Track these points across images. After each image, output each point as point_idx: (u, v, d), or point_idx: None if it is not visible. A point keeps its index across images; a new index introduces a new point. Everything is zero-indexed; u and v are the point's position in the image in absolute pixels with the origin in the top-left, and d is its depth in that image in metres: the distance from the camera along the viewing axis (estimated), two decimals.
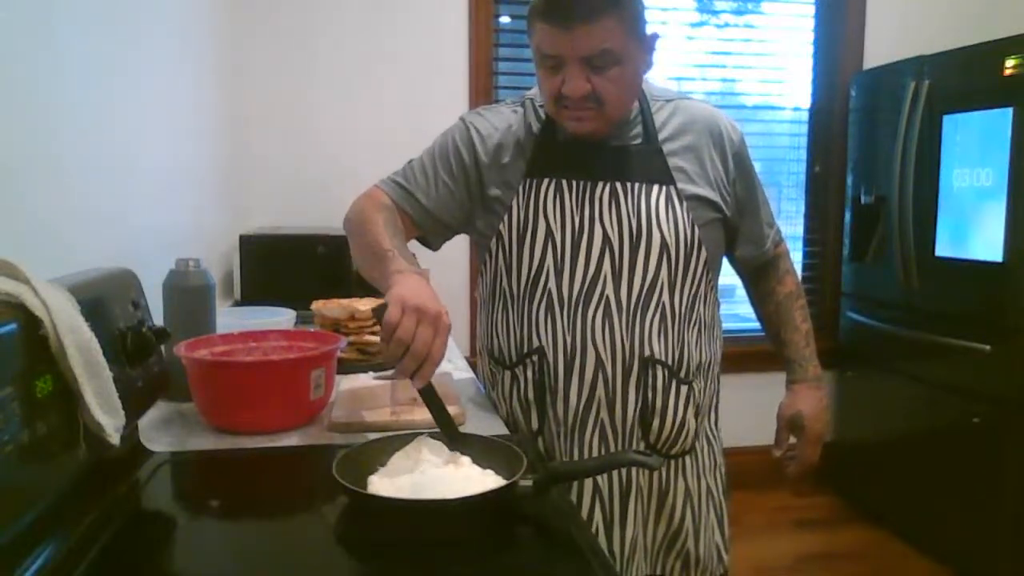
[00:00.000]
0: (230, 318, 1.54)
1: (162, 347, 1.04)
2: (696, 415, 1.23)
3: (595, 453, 1.21)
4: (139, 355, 0.94)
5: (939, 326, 2.52)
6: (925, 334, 2.56)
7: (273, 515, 0.91)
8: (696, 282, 1.21)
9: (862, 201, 2.88)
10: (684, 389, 1.20)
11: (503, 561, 0.79)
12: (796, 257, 3.21)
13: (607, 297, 1.17)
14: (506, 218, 1.22)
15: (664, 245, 1.17)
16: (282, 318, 1.62)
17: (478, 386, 1.41)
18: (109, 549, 0.76)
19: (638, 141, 1.21)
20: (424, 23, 2.75)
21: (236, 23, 2.55)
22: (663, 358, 1.18)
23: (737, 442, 3.08)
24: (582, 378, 1.18)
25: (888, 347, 2.77)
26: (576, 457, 1.21)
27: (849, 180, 3.00)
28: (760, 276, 1.39)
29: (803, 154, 3.20)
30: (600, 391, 1.18)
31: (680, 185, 1.19)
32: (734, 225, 1.28)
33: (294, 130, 2.72)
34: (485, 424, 1.18)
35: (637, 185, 1.18)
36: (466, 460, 0.90)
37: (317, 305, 1.58)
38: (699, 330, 1.23)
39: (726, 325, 1.37)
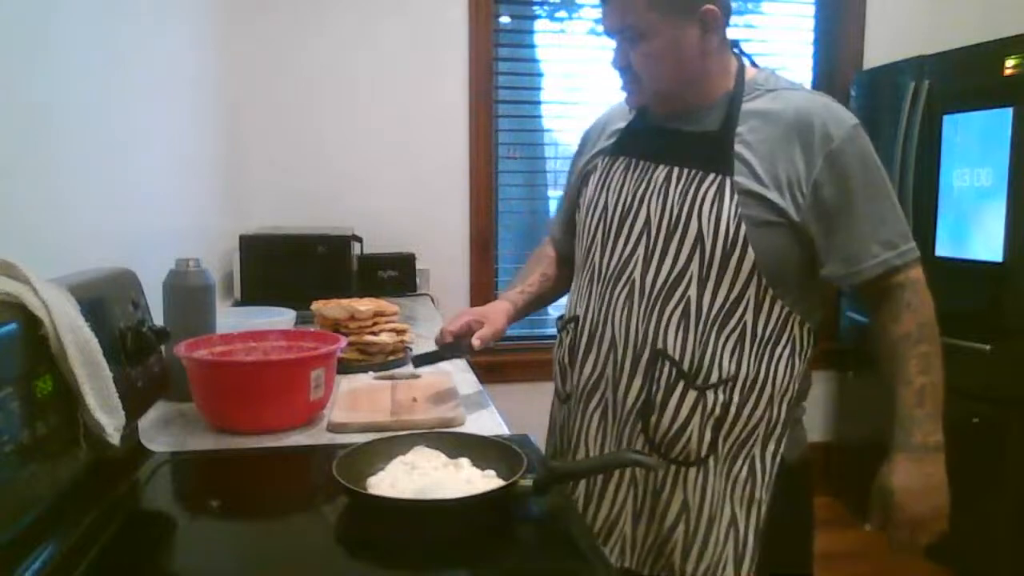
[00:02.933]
0: (230, 318, 1.54)
1: (162, 347, 1.04)
2: (714, 428, 1.12)
3: (596, 428, 1.20)
4: (139, 355, 0.94)
5: (939, 326, 2.51)
6: None
7: (273, 515, 0.91)
8: (739, 284, 1.10)
9: None
10: (693, 394, 1.11)
11: (503, 561, 0.79)
12: None
13: (634, 280, 1.15)
14: (585, 190, 1.27)
15: (699, 236, 1.10)
16: (282, 318, 1.63)
17: (479, 387, 1.41)
18: (109, 549, 0.76)
19: (715, 128, 1.14)
20: (424, 23, 2.75)
21: (236, 22, 2.55)
22: (674, 355, 1.11)
23: None
24: (598, 353, 1.19)
25: None
26: (579, 427, 1.22)
27: None
28: (877, 307, 1.16)
29: None
30: (609, 370, 1.17)
31: (738, 178, 1.09)
32: (810, 235, 1.11)
33: (294, 130, 2.71)
34: (485, 424, 1.18)
35: (691, 171, 1.13)
36: (465, 462, 0.90)
37: (317, 305, 1.58)
38: (739, 339, 1.11)
39: None
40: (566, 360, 1.25)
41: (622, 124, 1.27)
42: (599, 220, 1.22)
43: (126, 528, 0.82)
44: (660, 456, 1.15)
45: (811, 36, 3.11)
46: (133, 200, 1.47)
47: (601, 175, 1.24)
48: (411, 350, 1.61)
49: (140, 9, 1.55)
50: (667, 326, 1.12)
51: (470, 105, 2.76)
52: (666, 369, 1.12)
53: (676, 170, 1.14)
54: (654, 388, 1.13)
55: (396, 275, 2.49)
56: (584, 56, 3.01)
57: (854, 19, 3.04)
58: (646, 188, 1.16)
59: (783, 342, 1.13)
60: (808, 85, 3.12)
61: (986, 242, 2.34)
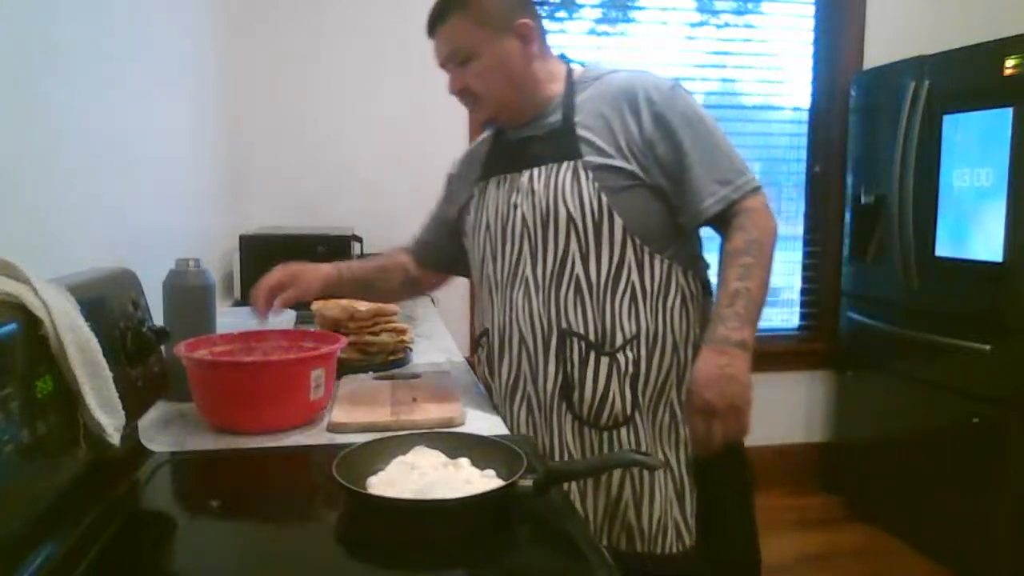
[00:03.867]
0: (230, 318, 1.54)
1: (162, 347, 1.04)
2: (631, 386, 1.22)
3: (523, 422, 1.29)
4: (139, 355, 0.94)
5: (939, 326, 2.52)
6: (925, 334, 2.56)
7: (273, 515, 0.91)
8: (616, 250, 1.20)
9: (862, 201, 2.88)
10: (605, 360, 1.21)
11: (503, 561, 0.79)
12: (796, 257, 3.21)
13: (527, 277, 1.26)
14: (468, 218, 1.38)
15: (570, 219, 1.21)
16: (282, 318, 1.62)
17: (478, 386, 1.41)
18: (109, 549, 0.76)
19: (557, 126, 1.26)
20: (424, 23, 2.74)
21: (236, 23, 2.55)
22: (580, 330, 1.22)
23: None
24: (511, 354, 1.29)
25: (888, 347, 2.77)
26: (509, 427, 1.29)
27: (849, 180, 3.00)
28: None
29: (803, 154, 3.20)
30: (525, 365, 1.27)
31: (587, 157, 1.21)
32: (665, 189, 1.23)
33: (294, 130, 2.72)
34: (485, 424, 1.18)
35: (548, 167, 1.24)
36: (465, 462, 0.90)
37: (317, 305, 1.58)
38: (632, 299, 1.21)
39: None
40: (487, 373, 1.36)
41: (483, 151, 1.41)
42: (484, 236, 1.33)
43: (126, 528, 0.82)
44: (589, 427, 1.23)
45: (811, 36, 3.11)
46: (133, 200, 1.47)
47: (478, 200, 1.36)
48: (411, 350, 1.61)
49: (140, 10, 1.55)
50: (566, 306, 1.22)
51: None
52: (576, 345, 1.22)
53: (536, 170, 1.26)
54: (569, 367, 1.23)
55: None
56: (584, 56, 3.01)
57: (854, 19, 3.04)
58: (516, 194, 1.27)
59: (672, 293, 1.24)
60: (808, 85, 3.13)
61: (986, 242, 2.34)
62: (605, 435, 1.23)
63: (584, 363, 1.22)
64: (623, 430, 1.23)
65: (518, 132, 1.32)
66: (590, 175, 1.20)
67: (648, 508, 1.22)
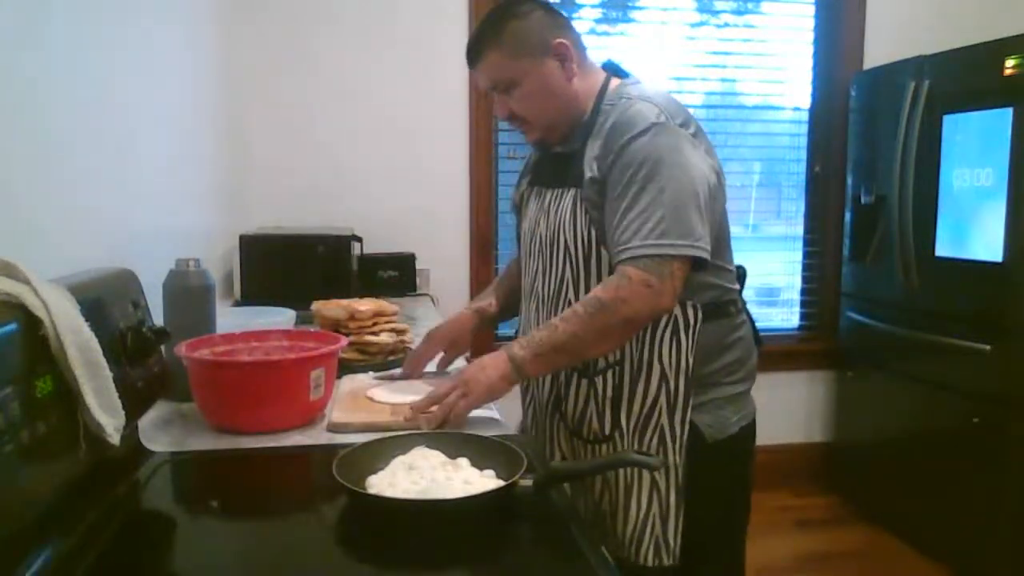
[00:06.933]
0: (231, 318, 1.54)
1: (162, 347, 1.04)
2: (612, 409, 1.26)
3: (529, 420, 1.42)
4: (139, 355, 0.94)
5: (939, 326, 2.52)
6: (925, 334, 2.56)
7: (273, 515, 0.91)
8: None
9: (862, 201, 2.88)
10: (584, 383, 1.28)
11: (503, 561, 0.79)
12: (796, 257, 3.21)
13: (538, 292, 1.33)
14: (522, 220, 1.43)
15: (567, 247, 1.25)
16: (282, 318, 1.63)
17: None
18: (109, 549, 0.76)
19: (577, 147, 1.27)
20: (424, 24, 2.75)
21: (236, 23, 2.55)
22: None
23: None
24: None
25: (888, 347, 2.77)
26: (521, 423, 1.43)
27: (849, 180, 3.00)
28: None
29: (803, 154, 3.20)
30: None
31: (585, 189, 1.22)
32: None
33: (294, 130, 2.72)
34: (485, 425, 1.18)
35: (561, 190, 1.28)
36: (465, 462, 0.90)
37: (317, 305, 1.58)
38: None
39: None
40: None
41: (534, 159, 1.44)
42: (522, 245, 1.41)
43: (126, 528, 0.82)
44: (575, 436, 1.31)
45: (811, 36, 3.11)
46: (133, 200, 1.47)
47: (523, 206, 1.42)
48: (411, 350, 1.61)
49: (140, 8, 1.55)
50: None
51: (470, 105, 2.76)
52: None
53: (554, 191, 1.30)
54: (559, 382, 1.32)
55: (396, 275, 2.49)
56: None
57: (854, 19, 3.04)
58: (541, 211, 1.32)
59: (663, 324, 1.22)
60: (808, 85, 3.12)
61: (986, 242, 2.34)
62: (590, 447, 1.30)
63: (568, 382, 1.30)
64: (604, 446, 1.28)
65: (554, 146, 1.33)
66: (584, 206, 1.22)
67: (623, 516, 1.26)
